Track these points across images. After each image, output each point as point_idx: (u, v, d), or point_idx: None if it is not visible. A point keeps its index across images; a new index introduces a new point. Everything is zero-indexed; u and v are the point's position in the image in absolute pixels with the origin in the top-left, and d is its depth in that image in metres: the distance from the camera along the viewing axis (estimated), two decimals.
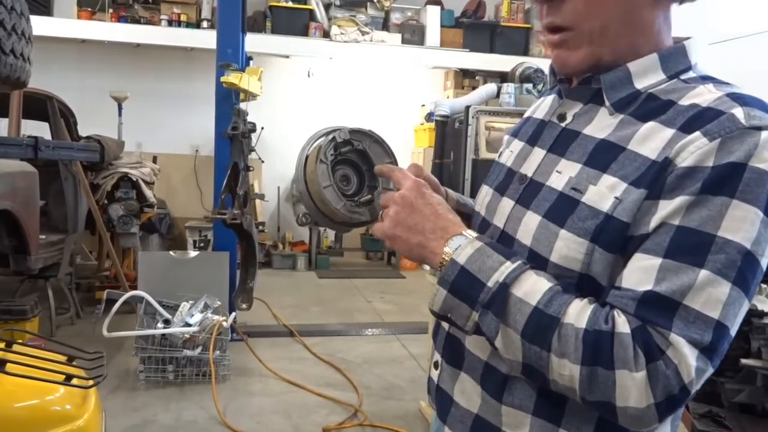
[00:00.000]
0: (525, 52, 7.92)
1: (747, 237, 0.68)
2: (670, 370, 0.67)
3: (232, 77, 4.34)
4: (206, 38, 6.47)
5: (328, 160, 1.02)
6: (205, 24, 7.24)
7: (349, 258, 8.19)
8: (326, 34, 7.43)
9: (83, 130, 5.31)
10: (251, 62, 5.15)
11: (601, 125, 0.82)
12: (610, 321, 0.70)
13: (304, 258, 7.61)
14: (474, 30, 7.93)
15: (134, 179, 5.28)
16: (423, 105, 8.01)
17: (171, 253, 4.35)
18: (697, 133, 0.71)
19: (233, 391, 3.69)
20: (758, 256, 0.70)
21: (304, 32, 7.42)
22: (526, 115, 1.03)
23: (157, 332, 3.63)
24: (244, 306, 4.40)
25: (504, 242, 0.85)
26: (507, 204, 0.89)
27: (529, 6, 8.24)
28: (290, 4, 7.47)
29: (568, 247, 0.77)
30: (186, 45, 7.22)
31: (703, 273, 0.68)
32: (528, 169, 0.89)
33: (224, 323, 3.77)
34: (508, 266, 0.76)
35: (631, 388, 0.68)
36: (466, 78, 8.18)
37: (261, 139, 6.68)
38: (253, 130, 4.34)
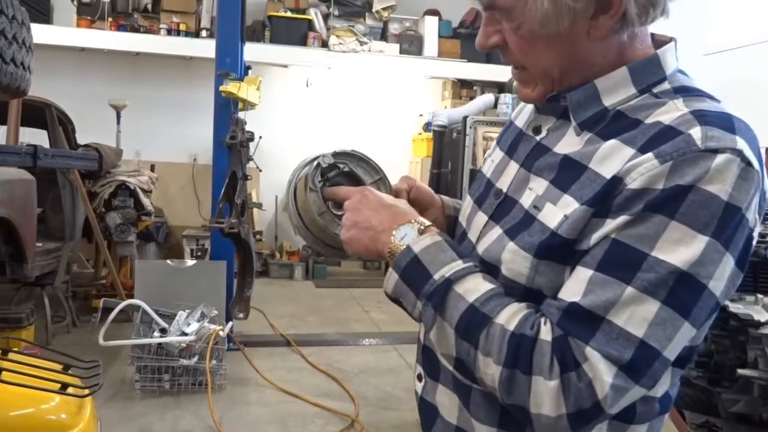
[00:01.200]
0: None
1: (683, 259, 0.66)
2: (582, 383, 0.67)
3: (230, 86, 4.36)
4: (205, 47, 6.49)
5: (317, 187, 1.00)
6: (204, 33, 7.27)
7: (347, 267, 8.19)
8: (325, 44, 7.46)
9: (82, 138, 5.31)
10: (250, 71, 5.16)
11: (570, 143, 0.81)
12: (535, 327, 0.70)
13: (301, 267, 7.60)
14: (472, 40, 7.94)
15: (132, 187, 5.28)
16: (421, 115, 8.04)
17: (168, 261, 4.34)
18: (650, 155, 0.69)
19: (229, 400, 3.67)
20: (701, 278, 0.67)
21: (302, 42, 7.45)
22: (512, 116, 1.03)
23: (154, 341, 3.62)
24: (240, 315, 4.39)
25: (474, 256, 0.85)
26: (481, 219, 0.89)
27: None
28: (289, 14, 7.50)
29: (514, 260, 0.78)
30: (185, 54, 7.24)
31: (629, 290, 0.67)
32: (503, 183, 0.89)
33: (221, 332, 3.76)
34: (458, 264, 0.77)
35: (545, 395, 0.68)
36: (463, 88, 8.21)
37: (259, 148, 6.67)
38: (252, 139, 4.35)
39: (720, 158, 0.67)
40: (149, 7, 7.47)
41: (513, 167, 0.89)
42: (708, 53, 5.49)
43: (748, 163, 0.69)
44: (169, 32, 7.21)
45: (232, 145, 4.20)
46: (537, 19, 0.76)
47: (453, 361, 0.79)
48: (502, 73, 7.06)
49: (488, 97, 6.35)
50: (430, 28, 7.85)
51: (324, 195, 1.00)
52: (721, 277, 0.69)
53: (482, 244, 0.85)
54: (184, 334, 3.64)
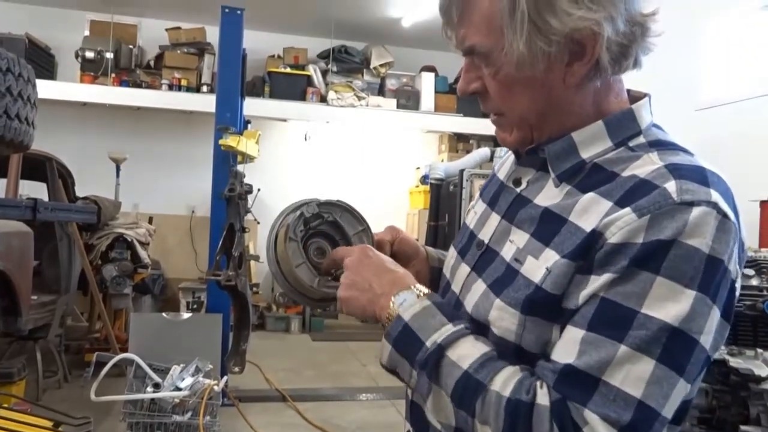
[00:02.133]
0: None
1: (673, 315, 0.66)
2: None
3: (230, 140, 4.42)
4: (205, 102, 6.60)
5: (298, 237, 0.98)
6: (205, 88, 7.41)
7: (344, 320, 8.10)
8: (323, 99, 7.61)
9: (81, 190, 5.34)
10: (249, 125, 5.25)
11: (549, 195, 0.82)
12: (531, 392, 0.69)
13: (298, 320, 7.53)
14: (467, 96, 8.10)
15: (129, 240, 5.27)
16: (418, 167, 8.13)
17: (163, 314, 4.30)
18: (628, 209, 0.70)
19: None
20: (692, 334, 0.67)
21: (301, 97, 7.60)
22: (495, 168, 1.04)
23: (146, 396, 3.55)
24: (236, 369, 4.32)
25: (457, 309, 0.86)
26: (464, 270, 0.90)
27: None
28: (288, 71, 7.67)
29: (501, 317, 0.77)
30: (185, 108, 7.37)
31: (623, 348, 0.66)
32: (485, 235, 0.89)
33: (215, 387, 3.69)
34: (449, 328, 0.76)
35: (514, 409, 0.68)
36: (460, 141, 8.33)
37: (258, 201, 6.72)
38: (250, 191, 4.38)
39: (696, 211, 0.68)
40: (152, 63, 7.64)
41: (494, 219, 0.90)
42: (699, 108, 5.60)
43: (725, 215, 0.69)
44: (171, 87, 7.35)
45: (230, 198, 4.23)
46: (513, 63, 0.77)
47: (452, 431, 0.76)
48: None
49: (484, 151, 6.45)
50: (426, 83, 8.02)
51: (324, 267, 0.98)
52: (710, 330, 0.69)
53: (469, 301, 0.84)
54: (178, 389, 3.57)
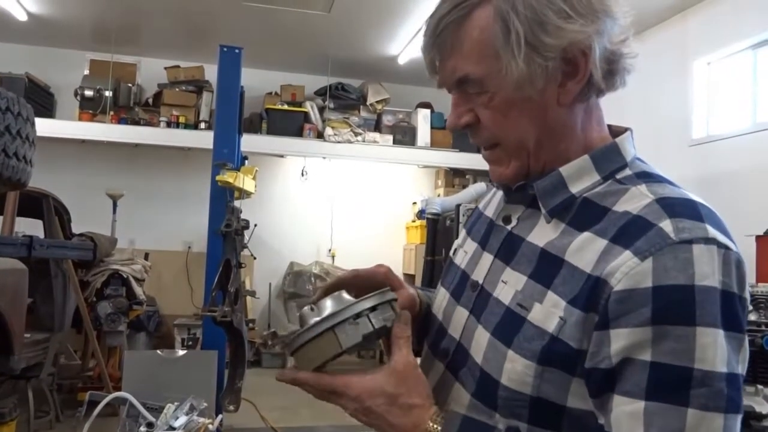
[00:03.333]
0: None
1: (722, 360, 0.65)
2: None
3: (227, 176, 4.44)
4: (203, 138, 6.65)
5: (343, 347, 0.85)
6: (202, 125, 7.48)
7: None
8: (320, 135, 7.68)
9: (78, 227, 5.33)
10: (246, 161, 5.28)
11: (542, 233, 0.81)
12: None
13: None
14: (463, 131, 8.19)
15: (125, 276, 5.25)
16: (414, 202, 8.15)
17: (158, 351, 4.25)
18: (628, 253, 0.69)
19: None
20: (736, 371, 0.67)
21: (298, 133, 7.66)
22: (480, 205, 1.02)
23: None
24: (231, 408, 4.26)
25: (460, 355, 0.84)
26: (462, 314, 0.87)
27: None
28: (286, 107, 7.76)
29: (516, 370, 0.74)
30: (183, 145, 7.41)
31: (691, 411, 0.64)
32: (479, 275, 0.87)
33: (210, 426, 3.63)
34: None
35: None
36: (456, 176, 8.38)
37: (254, 236, 6.73)
38: (247, 227, 4.39)
39: (697, 249, 0.67)
40: (150, 101, 7.72)
41: (487, 258, 0.87)
42: (693, 144, 5.67)
43: (726, 247, 0.69)
44: (169, 125, 7.42)
45: (227, 233, 4.23)
46: (512, 83, 0.76)
47: None
48: None
49: (480, 186, 6.48)
50: (422, 119, 8.11)
51: (319, 386, 0.83)
52: (745, 359, 0.70)
53: (475, 351, 0.81)
54: (172, 428, 3.51)
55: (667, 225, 0.69)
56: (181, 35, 7.17)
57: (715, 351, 0.65)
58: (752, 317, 1.74)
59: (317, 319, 0.77)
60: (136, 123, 7.46)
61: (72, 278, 4.62)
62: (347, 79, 7.99)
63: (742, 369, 0.68)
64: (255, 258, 7.04)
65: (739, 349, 0.68)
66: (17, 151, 1.73)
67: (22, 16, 6.63)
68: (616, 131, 0.88)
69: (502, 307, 0.79)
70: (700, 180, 5.51)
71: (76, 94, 7.25)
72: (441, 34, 0.78)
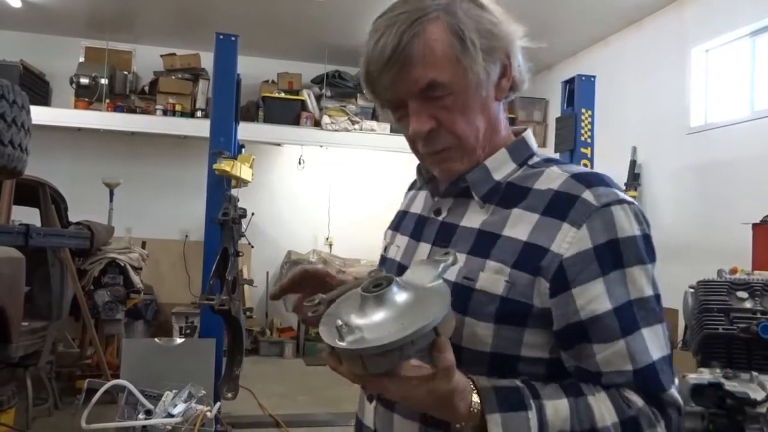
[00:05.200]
0: None
1: (648, 286, 0.86)
2: (674, 412, 0.85)
3: (224, 164, 4.43)
4: (200, 127, 6.63)
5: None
6: (199, 113, 7.45)
7: None
8: (317, 123, 7.65)
9: (74, 216, 5.32)
10: (244, 150, 5.27)
11: (475, 216, 0.95)
12: (626, 404, 0.83)
13: (291, 345, 7.47)
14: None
15: (122, 265, 5.25)
16: None
17: (156, 340, 4.26)
18: (566, 225, 0.85)
19: None
20: (658, 291, 0.88)
21: (295, 121, 7.64)
22: (401, 209, 1.14)
23: (138, 423, 3.50)
24: (229, 395, 4.27)
25: None
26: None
27: (514, 98, 8.55)
28: (283, 95, 7.72)
29: (475, 333, 0.87)
30: (180, 133, 7.38)
31: (644, 331, 0.85)
32: None
33: (208, 413, 3.65)
34: (533, 416, 0.79)
35: (654, 431, 0.83)
36: None
37: (252, 225, 6.74)
38: (244, 215, 4.38)
39: (614, 210, 0.86)
40: (146, 89, 7.68)
41: (424, 247, 0.99)
42: (690, 132, 5.66)
43: (631, 203, 0.89)
44: (165, 113, 7.38)
45: (224, 222, 4.23)
46: (473, 84, 0.90)
47: None
48: None
49: None
50: None
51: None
52: (657, 281, 0.89)
53: None
54: (170, 415, 3.52)
55: (587, 195, 0.87)
56: (177, 23, 7.12)
57: (644, 282, 0.86)
58: (747, 305, 1.75)
59: (402, 335, 0.73)
60: (132, 111, 7.42)
61: (69, 267, 4.62)
62: (344, 67, 7.95)
63: (659, 284, 0.89)
64: (252, 246, 7.03)
65: (653, 273, 0.88)
66: (12, 139, 1.72)
67: (16, 3, 6.58)
68: (516, 130, 1.03)
69: (449, 284, 0.86)
70: (698, 168, 5.51)
71: (71, 82, 7.21)
72: (405, 48, 0.86)
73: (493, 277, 0.87)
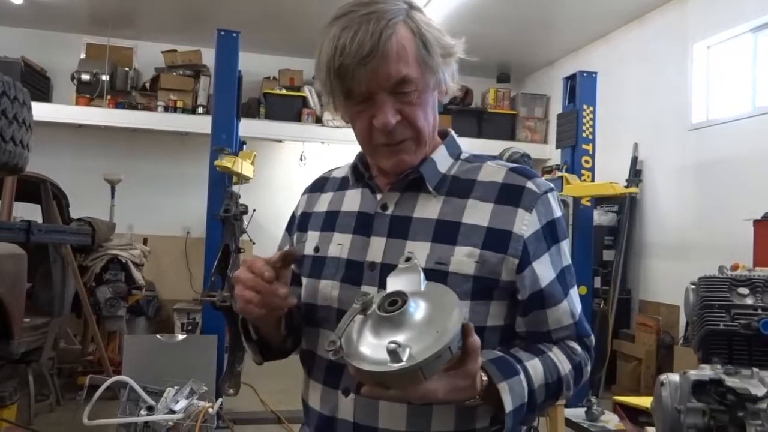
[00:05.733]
0: (512, 137, 8.16)
1: (568, 256, 1.07)
2: (593, 351, 1.08)
3: (225, 161, 4.43)
4: (201, 123, 6.62)
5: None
6: (200, 110, 7.44)
7: None
8: (319, 120, 7.65)
9: (76, 212, 5.33)
10: (245, 146, 5.26)
11: (427, 208, 1.03)
12: (570, 351, 1.04)
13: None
14: (462, 116, 8.18)
15: (124, 261, 5.25)
16: None
17: (157, 336, 4.27)
18: (521, 210, 1.00)
19: None
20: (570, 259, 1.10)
21: (297, 118, 7.63)
22: (323, 209, 1.15)
23: (140, 420, 3.51)
24: (231, 391, 4.28)
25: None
26: (369, 291, 0.96)
27: (515, 94, 8.56)
28: (284, 92, 7.72)
29: None
30: (181, 129, 7.38)
31: (572, 291, 1.06)
32: (374, 256, 1.02)
33: (210, 410, 3.65)
34: (523, 378, 0.94)
35: (587, 368, 1.07)
36: None
37: (253, 221, 6.75)
38: (245, 212, 4.38)
39: (549, 196, 1.04)
40: (147, 85, 7.67)
41: (378, 241, 1.03)
42: (692, 128, 5.65)
43: (554, 190, 1.06)
44: (166, 109, 7.38)
45: (225, 219, 4.23)
46: (433, 82, 1.00)
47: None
48: (492, 147, 7.22)
49: None
50: None
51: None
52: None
53: None
54: (172, 411, 3.53)
55: (530, 185, 1.03)
56: (178, 19, 7.11)
57: (567, 252, 1.07)
58: (749, 301, 1.75)
59: (432, 353, 0.78)
60: (134, 107, 7.42)
61: (71, 263, 4.62)
62: None
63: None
64: (254, 243, 7.04)
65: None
66: (14, 136, 1.72)
67: None
68: (441, 132, 1.11)
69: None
70: (700, 164, 5.50)
71: (72, 78, 7.21)
72: (383, 44, 0.93)
73: (465, 260, 0.98)
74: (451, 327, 0.80)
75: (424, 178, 1.03)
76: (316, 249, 1.10)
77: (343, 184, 1.17)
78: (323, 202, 1.18)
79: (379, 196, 1.07)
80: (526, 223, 1.00)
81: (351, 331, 0.84)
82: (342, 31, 0.94)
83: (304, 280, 1.10)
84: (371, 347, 0.80)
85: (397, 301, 0.82)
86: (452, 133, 1.12)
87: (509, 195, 1.02)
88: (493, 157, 1.12)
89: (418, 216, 1.02)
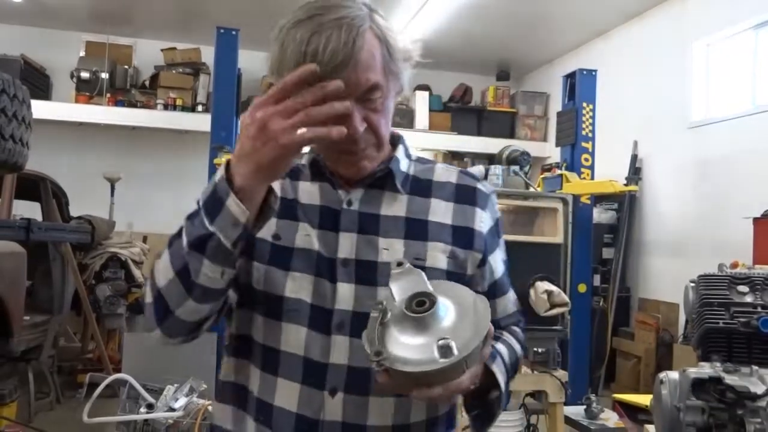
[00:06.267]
0: (511, 135, 8.16)
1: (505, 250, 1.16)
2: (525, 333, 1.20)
3: (225, 159, 4.42)
4: (201, 121, 6.62)
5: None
6: (200, 108, 7.44)
7: None
8: None
9: (76, 210, 5.33)
10: None
11: (393, 206, 1.05)
12: (517, 335, 1.15)
13: None
14: (462, 114, 8.18)
15: (123, 259, 5.25)
16: None
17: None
18: (478, 209, 1.09)
19: None
20: None
21: None
22: (293, 197, 1.06)
23: (140, 417, 3.51)
24: None
25: (366, 320, 0.88)
26: (346, 288, 0.99)
27: (515, 92, 8.55)
28: None
29: None
30: (180, 128, 7.38)
31: (509, 281, 1.17)
32: (345, 252, 1.01)
33: (209, 407, 3.66)
34: (500, 360, 1.03)
35: (524, 341, 1.17)
36: (454, 160, 8.36)
37: None
38: None
39: (493, 196, 1.13)
40: (147, 83, 7.67)
41: (348, 237, 1.02)
42: (692, 126, 5.65)
43: (494, 192, 1.15)
44: (166, 107, 7.38)
45: None
46: (395, 90, 1.02)
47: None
48: (491, 145, 7.22)
49: (479, 169, 6.46)
50: (420, 102, 8.07)
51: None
52: None
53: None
54: (172, 409, 3.53)
55: (480, 186, 1.12)
56: (178, 17, 7.10)
57: (504, 247, 1.16)
58: (748, 299, 1.75)
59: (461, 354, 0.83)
60: (133, 105, 7.42)
61: (70, 261, 4.62)
62: None
63: None
64: None
65: None
66: (13, 134, 1.72)
67: None
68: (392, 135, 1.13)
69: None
70: (699, 162, 5.50)
71: (72, 76, 7.21)
72: (356, 52, 0.91)
73: (439, 256, 1.03)
74: (484, 317, 0.86)
75: (395, 176, 1.05)
76: (277, 236, 1.02)
77: (293, 174, 1.07)
78: (275, 186, 1.06)
79: (341, 192, 1.04)
80: (483, 221, 1.09)
81: (373, 338, 0.83)
82: (312, 36, 0.91)
83: (262, 267, 1.01)
84: (407, 349, 0.81)
85: (424, 302, 0.84)
86: (402, 137, 1.14)
87: (466, 195, 1.09)
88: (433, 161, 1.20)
89: (386, 213, 1.04)
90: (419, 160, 1.13)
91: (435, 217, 1.06)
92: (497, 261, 1.12)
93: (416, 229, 1.04)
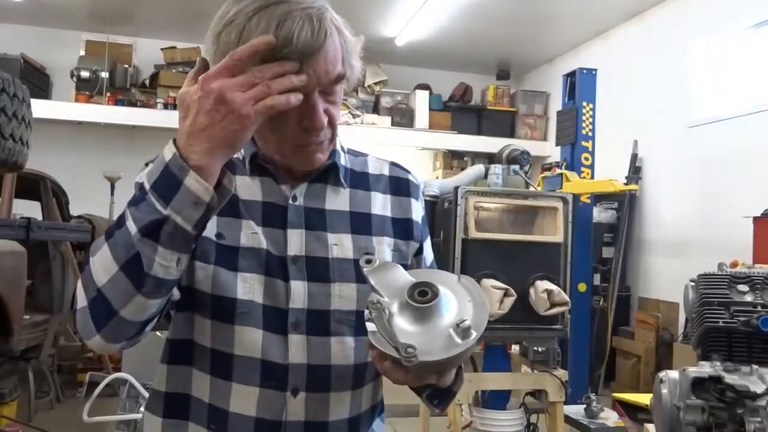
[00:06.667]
0: (511, 134, 8.16)
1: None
2: None
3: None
4: None
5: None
6: None
7: None
8: None
9: (76, 209, 5.33)
10: None
11: (336, 200, 1.05)
12: None
13: None
14: (462, 113, 8.18)
15: None
16: None
17: (157, 333, 4.26)
18: (413, 199, 1.12)
19: None
20: None
21: None
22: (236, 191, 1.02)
23: (139, 416, 3.51)
24: None
25: (315, 318, 0.97)
26: (300, 286, 0.98)
27: (515, 91, 8.55)
28: None
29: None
30: None
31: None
32: (295, 249, 0.99)
33: None
34: None
35: None
36: (454, 159, 8.37)
37: None
38: None
39: (420, 186, 1.16)
40: (146, 82, 7.67)
41: (296, 233, 1.00)
42: (692, 125, 5.65)
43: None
44: (166, 106, 7.38)
45: None
46: (351, 84, 1.01)
47: None
48: (491, 144, 7.22)
49: (479, 168, 6.45)
50: (420, 101, 8.07)
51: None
52: None
53: (343, 304, 0.99)
54: None
55: (411, 177, 1.15)
56: (178, 16, 7.10)
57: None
58: (748, 298, 1.75)
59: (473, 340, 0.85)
60: (133, 105, 7.42)
61: (70, 260, 4.62)
62: None
63: None
64: None
65: None
66: (13, 133, 1.72)
67: None
68: None
69: (350, 261, 1.00)
70: (699, 161, 5.50)
71: (72, 75, 7.20)
72: (323, 43, 0.89)
73: (385, 249, 1.04)
74: (478, 292, 0.88)
75: (339, 170, 1.05)
76: (220, 235, 0.97)
77: (229, 168, 0.93)
78: None
79: (284, 187, 1.01)
80: (416, 210, 1.12)
81: (393, 334, 0.82)
82: (283, 23, 0.85)
83: (209, 268, 0.95)
84: (421, 339, 0.82)
85: (426, 291, 0.86)
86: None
87: (399, 186, 1.12)
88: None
89: (331, 208, 1.04)
90: (350, 151, 1.12)
91: (376, 210, 1.07)
92: (429, 249, 1.15)
93: (361, 224, 1.05)
